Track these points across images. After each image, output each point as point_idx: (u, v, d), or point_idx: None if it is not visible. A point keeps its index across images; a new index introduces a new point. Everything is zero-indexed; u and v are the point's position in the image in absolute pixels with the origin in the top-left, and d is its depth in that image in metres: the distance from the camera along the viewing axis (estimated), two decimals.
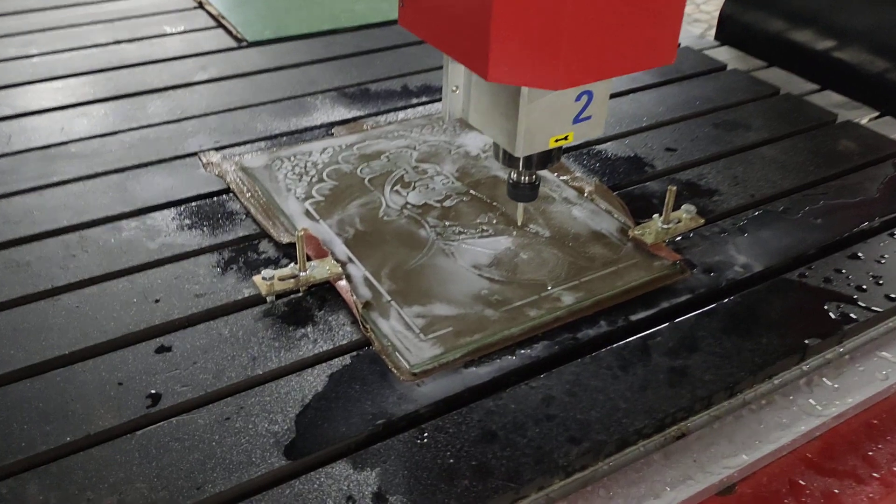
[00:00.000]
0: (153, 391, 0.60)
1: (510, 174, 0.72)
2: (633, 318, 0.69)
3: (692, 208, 0.79)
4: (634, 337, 0.66)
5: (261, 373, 0.62)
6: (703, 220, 0.80)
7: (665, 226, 0.78)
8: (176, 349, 0.64)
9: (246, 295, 0.69)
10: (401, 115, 1.00)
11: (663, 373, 0.63)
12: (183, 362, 0.62)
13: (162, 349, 0.64)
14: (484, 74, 0.56)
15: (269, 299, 0.68)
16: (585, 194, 0.84)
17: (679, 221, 0.78)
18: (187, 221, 0.79)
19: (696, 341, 0.66)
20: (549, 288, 0.71)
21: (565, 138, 0.65)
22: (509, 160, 0.68)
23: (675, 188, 0.76)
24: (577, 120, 0.65)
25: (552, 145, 0.65)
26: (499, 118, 0.64)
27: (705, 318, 0.69)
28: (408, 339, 0.65)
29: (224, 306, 0.68)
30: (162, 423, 0.57)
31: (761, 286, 0.73)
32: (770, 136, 0.98)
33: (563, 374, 0.62)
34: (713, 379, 0.63)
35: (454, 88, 0.67)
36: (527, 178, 0.71)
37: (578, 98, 0.64)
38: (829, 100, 1.12)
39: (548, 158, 0.68)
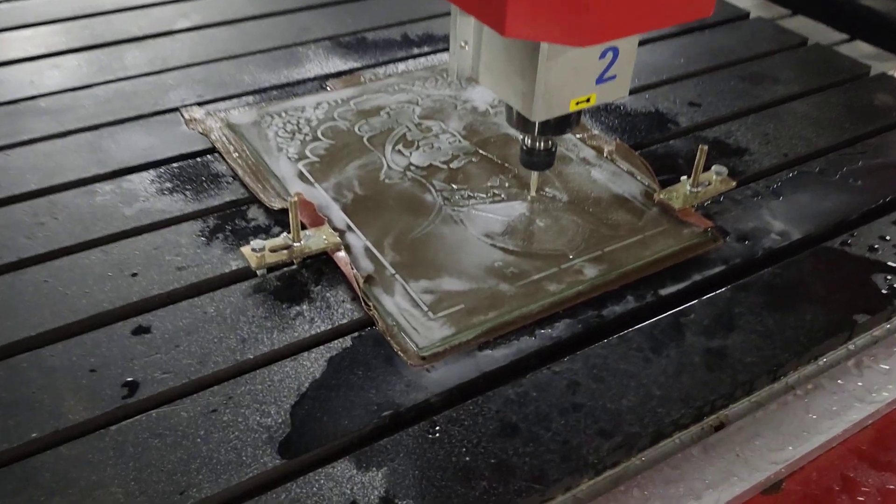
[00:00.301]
0: (130, 379, 0.53)
1: (524, 139, 0.64)
2: (663, 292, 0.62)
3: (723, 170, 0.72)
4: (665, 314, 0.60)
5: (251, 357, 0.55)
6: (734, 183, 0.73)
7: (694, 189, 0.71)
8: (155, 330, 0.57)
9: (234, 268, 0.62)
10: (401, 66, 0.92)
11: (699, 355, 0.57)
12: (163, 345, 0.56)
13: (140, 330, 0.57)
14: (500, 29, 0.49)
15: (259, 273, 0.62)
16: (605, 154, 0.77)
17: (709, 184, 0.71)
18: (168, 185, 0.71)
19: (733, 318, 0.60)
20: (571, 259, 0.64)
21: (587, 100, 0.58)
22: (524, 125, 0.61)
23: (705, 147, 0.69)
24: (600, 80, 0.58)
25: (572, 108, 0.58)
26: (513, 78, 0.57)
27: (742, 291, 0.62)
28: (415, 317, 0.58)
29: (209, 281, 0.61)
30: (140, 416, 0.51)
31: (801, 256, 0.66)
32: (800, 90, 0.91)
33: (589, 357, 0.56)
34: (755, 361, 0.56)
35: (462, 44, 0.60)
36: (542, 144, 0.64)
37: (603, 55, 0.57)
38: (860, 50, 1.04)
39: (566, 122, 0.61)
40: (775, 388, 0.57)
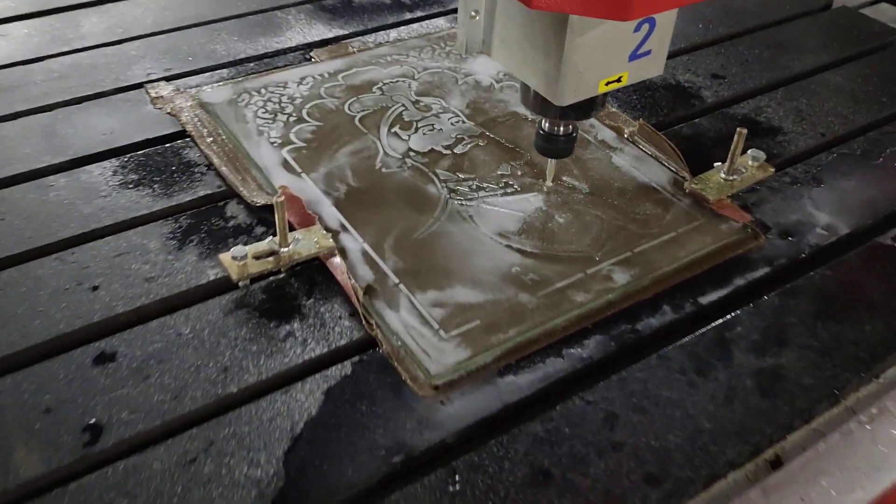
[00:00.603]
0: (92, 421, 0.45)
1: (541, 123, 0.56)
2: (703, 300, 0.55)
3: (761, 154, 0.65)
4: (708, 327, 0.53)
5: (235, 391, 0.47)
6: (772, 169, 0.65)
7: (729, 177, 0.63)
8: (121, 358, 0.48)
9: (211, 277, 0.54)
10: (393, 33, 0.83)
11: (750, 376, 0.50)
12: (131, 377, 0.47)
13: (103, 358, 0.48)
14: (527, 1, 0.41)
15: (241, 284, 0.53)
16: (626, 135, 0.69)
17: (744, 171, 0.64)
18: (133, 176, 0.62)
19: (784, 331, 0.53)
20: (597, 262, 0.56)
21: (618, 80, 0.50)
22: (543, 107, 0.53)
23: (744, 131, 0.61)
24: (633, 56, 0.50)
25: (601, 90, 0.50)
26: (533, 54, 0.49)
27: (791, 297, 0.55)
28: (425, 337, 0.50)
29: (183, 294, 0.53)
30: (105, 468, 0.43)
31: (852, 254, 0.59)
32: (830, 59, 0.83)
33: (627, 382, 0.49)
34: (813, 383, 0.49)
35: (473, 13, 0.51)
36: (563, 128, 0.56)
37: (638, 28, 0.49)
38: (888, 14, 0.96)
39: (592, 105, 0.53)
40: (835, 413, 0.50)
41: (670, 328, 0.53)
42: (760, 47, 0.84)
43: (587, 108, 0.53)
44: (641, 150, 0.67)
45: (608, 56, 0.49)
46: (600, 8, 0.42)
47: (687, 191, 0.63)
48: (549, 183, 0.63)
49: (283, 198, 0.52)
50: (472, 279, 0.54)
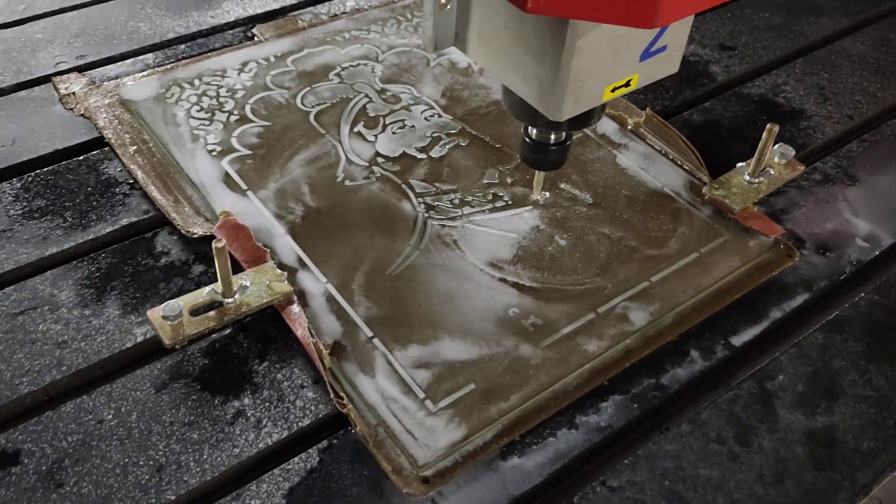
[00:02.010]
0: None
1: (527, 130, 0.46)
2: (736, 340, 0.46)
3: (789, 150, 0.55)
4: (745, 377, 0.44)
5: (173, 498, 0.37)
6: (802, 167, 0.56)
7: (754, 179, 0.54)
8: (27, 459, 0.38)
9: (139, 339, 0.44)
10: (349, 2, 0.71)
11: (800, 443, 0.41)
12: (40, 485, 0.37)
13: (2, 460, 0.38)
14: (521, 3, 0.31)
15: (176, 347, 0.43)
16: (630, 127, 0.59)
17: (771, 171, 0.55)
18: (39, 202, 0.51)
19: (833, 377, 0.44)
20: (608, 295, 0.47)
21: (626, 84, 0.40)
22: (531, 115, 0.43)
23: (775, 128, 0.52)
24: (646, 55, 0.40)
25: (606, 98, 0.40)
26: (522, 56, 0.38)
27: (837, 332, 0.47)
28: (408, 412, 0.41)
29: (104, 364, 0.43)
30: None
31: None
32: (849, 23, 0.73)
33: (656, 459, 0.40)
34: (874, 448, 0.41)
35: (443, 1, 0.40)
36: (554, 136, 0.46)
37: None
38: None
39: (591, 114, 0.43)
40: None
41: (700, 380, 0.44)
42: (771, 10, 0.74)
43: (585, 117, 0.43)
44: (648, 144, 0.58)
45: (616, 57, 0.38)
46: (616, 13, 0.32)
47: (706, 198, 0.54)
48: (536, 196, 0.53)
49: (222, 242, 0.41)
50: (461, 327, 0.45)
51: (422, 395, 0.41)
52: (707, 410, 0.42)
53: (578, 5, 0.32)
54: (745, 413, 0.42)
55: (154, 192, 0.51)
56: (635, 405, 0.43)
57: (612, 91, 0.40)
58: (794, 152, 0.55)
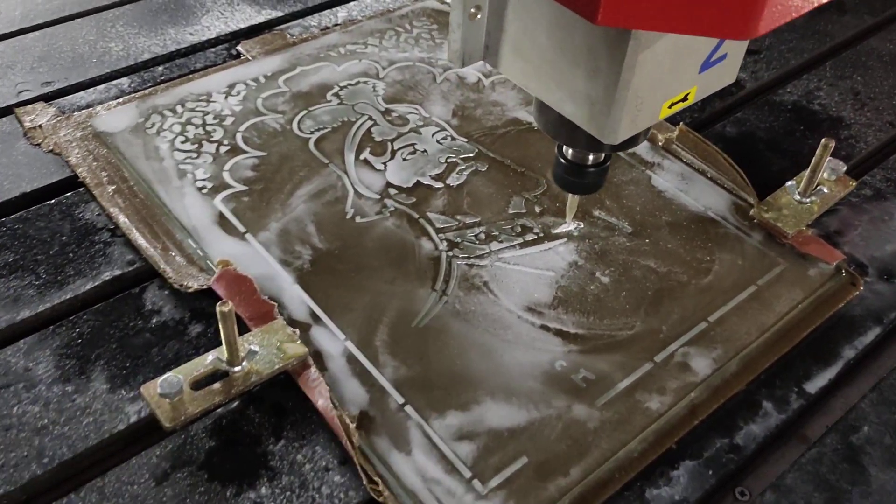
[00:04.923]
0: None
1: (561, 149, 0.41)
2: (810, 386, 0.41)
3: (840, 166, 0.51)
4: (827, 432, 0.39)
5: None
6: (853, 183, 0.51)
7: (806, 199, 0.49)
8: None
9: (132, 419, 0.37)
10: (342, 12, 0.65)
11: None
12: None
13: None
14: (589, 14, 0.26)
15: (177, 428, 0.37)
16: (661, 144, 0.54)
17: (823, 189, 0.50)
18: (7, 257, 0.44)
19: None
20: (664, 340, 0.42)
21: (684, 98, 0.35)
22: (571, 136, 0.37)
23: (831, 143, 0.47)
24: (706, 65, 0.35)
25: (664, 115, 0.35)
26: (568, 71, 0.33)
27: None
28: (455, 497, 0.35)
29: (92, 453, 0.36)
30: None
31: None
32: (874, 21, 0.69)
33: None
34: None
35: (473, 10, 0.35)
36: (592, 156, 0.40)
37: None
38: None
39: (641, 133, 0.38)
40: None
41: (777, 435, 0.39)
42: None
43: (634, 137, 0.37)
44: (684, 163, 0.53)
45: (676, 70, 0.33)
46: (713, 26, 0.27)
47: (755, 221, 0.49)
48: (568, 226, 0.47)
49: (229, 306, 0.35)
50: (504, 387, 0.39)
51: (468, 474, 0.36)
52: (791, 474, 0.37)
53: (663, 17, 0.27)
54: (832, 474, 0.37)
55: (139, 240, 0.45)
56: (710, 471, 0.37)
57: (670, 107, 0.35)
58: (844, 167, 0.50)
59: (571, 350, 0.41)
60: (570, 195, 0.46)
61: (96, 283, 0.43)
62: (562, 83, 0.34)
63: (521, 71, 0.35)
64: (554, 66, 0.34)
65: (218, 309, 0.35)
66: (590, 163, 0.41)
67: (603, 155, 0.41)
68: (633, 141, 0.38)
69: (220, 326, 0.36)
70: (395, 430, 0.37)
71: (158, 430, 0.37)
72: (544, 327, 0.42)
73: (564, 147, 0.40)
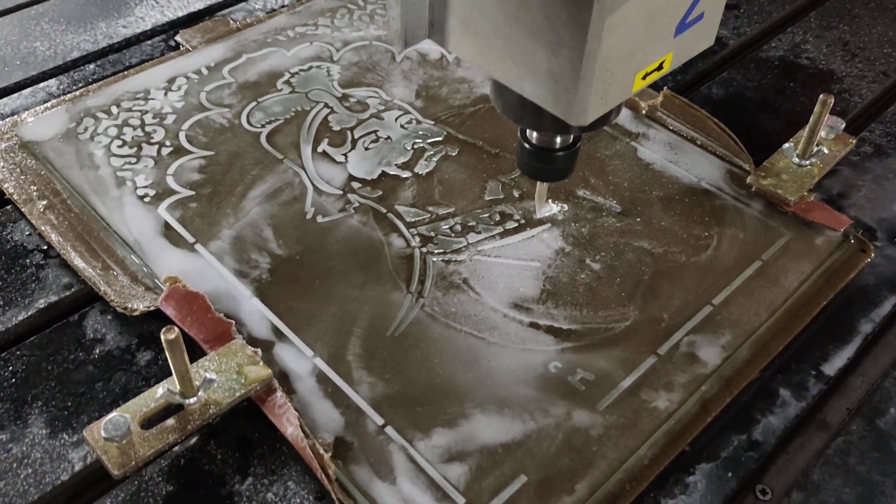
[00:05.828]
0: None
1: (525, 133, 0.36)
2: (828, 368, 0.38)
3: (838, 123, 0.47)
4: (850, 415, 0.36)
5: None
6: (853, 140, 0.47)
7: (805, 162, 0.45)
8: None
9: (77, 468, 0.33)
10: None
11: None
12: None
13: None
14: None
15: (128, 475, 0.32)
16: (645, 111, 0.50)
17: (822, 149, 0.46)
18: None
19: None
20: (667, 329, 0.38)
21: (659, 67, 0.31)
22: (534, 118, 0.33)
23: (830, 99, 0.43)
24: (682, 27, 0.31)
25: (637, 87, 0.31)
26: (527, 47, 0.29)
27: None
28: None
29: None
30: None
31: None
32: None
33: None
34: None
35: None
36: (560, 139, 0.36)
37: None
38: None
39: (609, 113, 0.33)
40: None
41: (798, 426, 0.36)
42: None
43: (605, 115, 0.33)
44: (671, 131, 0.49)
45: (649, 35, 0.29)
46: None
47: (753, 189, 0.45)
48: (551, 209, 0.43)
49: (174, 333, 0.31)
50: (494, 396, 0.35)
51: (461, 501, 0.32)
52: (818, 469, 0.34)
53: None
54: (862, 465, 0.34)
55: (76, 260, 0.40)
56: (729, 473, 0.34)
57: (644, 78, 0.31)
58: (843, 124, 0.47)
59: (566, 348, 0.37)
60: (539, 183, 0.42)
61: (30, 313, 0.38)
62: (519, 59, 0.29)
63: (472, 48, 0.31)
64: (509, 40, 0.29)
65: (163, 337, 0.31)
66: (557, 146, 0.36)
67: (572, 137, 0.36)
68: (604, 119, 0.33)
69: (168, 356, 0.31)
70: (376, 455, 0.33)
71: (108, 478, 0.32)
72: (534, 325, 0.38)
73: (528, 130, 0.36)
